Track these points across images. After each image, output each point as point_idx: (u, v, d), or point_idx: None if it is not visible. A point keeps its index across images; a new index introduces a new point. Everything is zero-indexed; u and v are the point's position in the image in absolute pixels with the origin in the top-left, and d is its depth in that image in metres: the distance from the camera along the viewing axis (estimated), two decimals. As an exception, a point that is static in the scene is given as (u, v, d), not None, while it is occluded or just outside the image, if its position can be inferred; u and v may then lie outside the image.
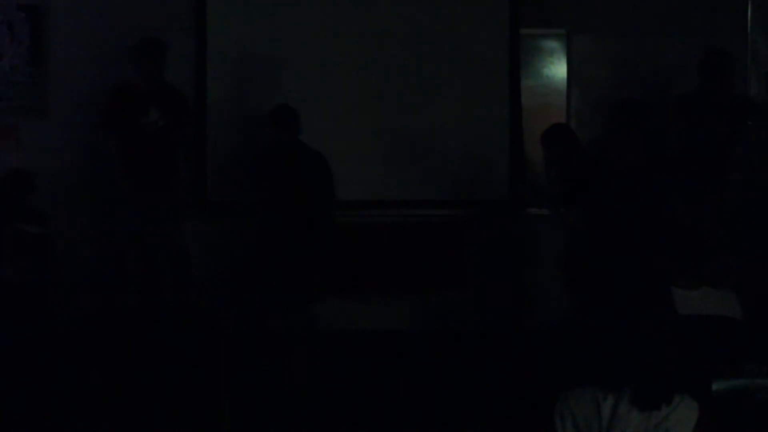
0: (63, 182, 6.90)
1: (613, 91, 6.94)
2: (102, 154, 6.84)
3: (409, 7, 7.15)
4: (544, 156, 6.09)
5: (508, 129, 7.16)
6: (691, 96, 6.39)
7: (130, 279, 6.54)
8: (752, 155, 6.72)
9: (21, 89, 7.00)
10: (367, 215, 7.12)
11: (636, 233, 5.52)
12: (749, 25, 7.21)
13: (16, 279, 5.66)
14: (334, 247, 6.31)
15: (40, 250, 5.93)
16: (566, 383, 2.90)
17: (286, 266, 6.07)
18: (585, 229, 5.64)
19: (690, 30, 7.03)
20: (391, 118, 7.14)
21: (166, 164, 6.48)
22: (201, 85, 7.07)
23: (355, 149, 7.13)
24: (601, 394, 2.80)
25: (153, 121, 6.39)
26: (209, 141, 7.09)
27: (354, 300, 7.10)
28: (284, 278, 6.09)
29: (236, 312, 6.77)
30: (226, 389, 5.13)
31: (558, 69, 7.32)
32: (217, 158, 7.10)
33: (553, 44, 7.35)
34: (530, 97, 7.28)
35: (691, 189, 6.26)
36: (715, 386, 3.34)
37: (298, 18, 7.11)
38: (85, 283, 6.75)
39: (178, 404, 5.01)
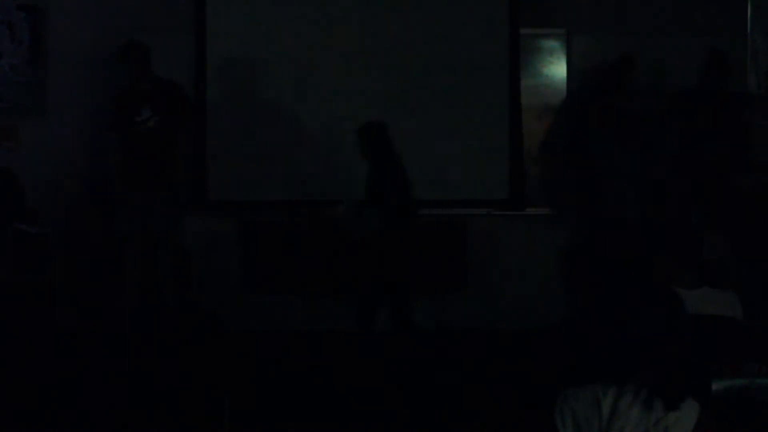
0: (63, 182, 6.89)
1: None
2: (101, 154, 6.86)
3: (409, 6, 7.15)
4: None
5: (508, 129, 7.15)
6: (689, 92, 6.47)
7: (130, 279, 6.54)
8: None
9: (21, 89, 7.00)
10: (366, 215, 7.12)
11: (637, 233, 5.54)
12: (749, 24, 7.21)
13: (16, 279, 5.66)
14: None
15: (38, 250, 5.93)
16: (567, 382, 2.90)
17: None
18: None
19: (690, 30, 7.03)
20: (391, 117, 7.12)
21: (161, 163, 6.47)
22: (201, 85, 7.06)
23: (356, 149, 7.12)
24: (601, 392, 2.80)
25: (143, 121, 6.40)
26: (209, 141, 7.08)
27: (354, 300, 7.10)
28: None
29: (236, 312, 6.79)
30: (226, 389, 5.13)
31: (558, 69, 7.31)
32: (217, 158, 7.10)
33: (553, 44, 7.35)
34: (530, 97, 7.28)
35: (688, 188, 6.30)
36: (715, 386, 3.34)
37: (298, 18, 7.11)
38: (84, 283, 6.75)
39: (178, 404, 5.01)
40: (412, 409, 5.40)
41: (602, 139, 6.54)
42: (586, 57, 7.22)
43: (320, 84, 7.11)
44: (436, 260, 7.07)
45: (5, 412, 4.73)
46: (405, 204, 6.25)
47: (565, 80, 7.27)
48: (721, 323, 3.81)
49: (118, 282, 6.61)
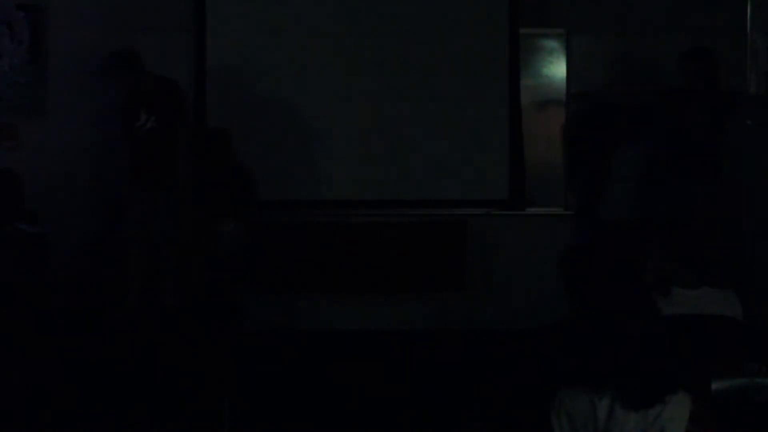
0: (63, 182, 6.89)
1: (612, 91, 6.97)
2: (101, 154, 6.86)
3: (409, 6, 7.16)
4: None
5: (507, 129, 7.16)
6: (675, 90, 6.45)
7: (132, 279, 6.54)
8: (746, 150, 6.77)
9: (21, 89, 7.00)
10: (367, 215, 7.12)
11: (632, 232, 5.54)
12: (748, 24, 7.21)
13: (16, 279, 5.66)
14: None
15: (38, 250, 5.93)
16: (564, 383, 2.91)
17: None
18: None
19: (689, 30, 7.03)
20: (391, 117, 7.14)
21: (162, 163, 6.47)
22: (201, 85, 7.07)
23: (355, 149, 7.13)
24: (596, 396, 2.80)
25: (141, 124, 6.40)
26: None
27: (354, 300, 7.10)
28: None
29: (237, 311, 6.78)
30: (226, 389, 5.13)
31: (558, 69, 7.32)
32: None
33: (552, 44, 7.36)
34: (530, 97, 7.29)
35: (685, 187, 6.29)
36: (714, 386, 3.34)
37: (298, 18, 7.11)
38: (85, 283, 6.75)
39: (178, 404, 5.01)
40: (412, 409, 5.40)
41: (603, 136, 6.54)
42: (586, 57, 7.22)
43: (320, 84, 7.12)
44: (436, 260, 7.07)
45: (5, 412, 4.73)
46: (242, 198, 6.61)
47: (565, 80, 7.27)
48: (721, 323, 3.81)
49: (119, 282, 6.61)
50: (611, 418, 2.78)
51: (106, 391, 5.20)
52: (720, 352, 3.60)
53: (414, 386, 5.82)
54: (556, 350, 3.37)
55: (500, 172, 7.18)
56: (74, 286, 6.61)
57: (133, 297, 6.53)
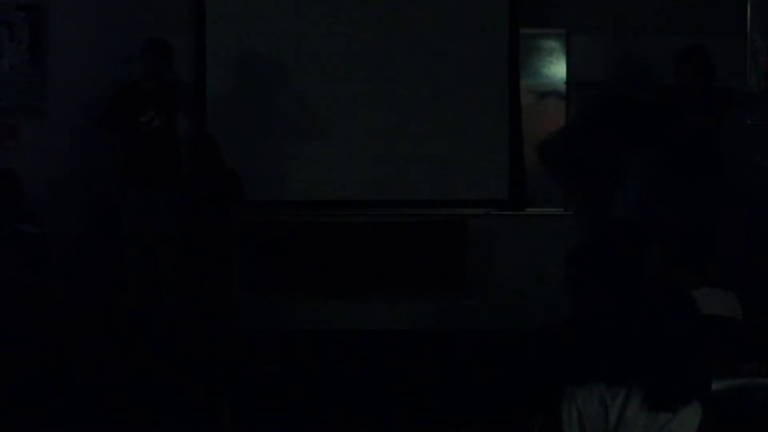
0: (63, 182, 6.90)
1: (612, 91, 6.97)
2: (101, 154, 6.86)
3: (409, 6, 7.15)
4: None
5: (507, 129, 7.16)
6: (671, 89, 6.44)
7: (130, 279, 6.54)
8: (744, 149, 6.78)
9: (20, 89, 7.00)
10: (367, 215, 7.13)
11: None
12: (748, 24, 7.22)
13: (16, 279, 5.67)
14: None
15: (38, 250, 5.94)
16: (568, 382, 2.90)
17: None
18: None
19: (689, 29, 7.03)
20: (392, 117, 7.14)
21: (164, 163, 6.47)
22: (200, 85, 7.06)
23: (356, 149, 7.13)
24: (609, 395, 2.79)
25: (147, 120, 6.39)
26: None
27: (354, 300, 7.11)
28: None
29: (236, 312, 6.79)
30: (226, 389, 5.14)
31: (558, 69, 7.31)
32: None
33: (552, 44, 7.35)
34: (530, 97, 7.29)
35: (685, 186, 6.29)
36: (715, 386, 3.34)
37: (298, 17, 7.11)
38: (84, 282, 6.76)
39: (178, 404, 5.01)
40: (412, 409, 5.40)
41: (605, 136, 6.53)
42: (586, 57, 7.22)
43: (320, 83, 7.11)
44: (436, 260, 7.08)
45: (5, 411, 4.74)
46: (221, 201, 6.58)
47: (565, 80, 7.27)
48: (721, 323, 3.82)
49: (118, 281, 6.62)
50: (621, 419, 2.77)
51: (105, 391, 5.20)
52: (720, 352, 3.60)
53: (414, 386, 5.82)
54: (557, 350, 3.37)
55: (500, 172, 7.17)
56: (74, 286, 6.62)
57: (131, 296, 6.53)
